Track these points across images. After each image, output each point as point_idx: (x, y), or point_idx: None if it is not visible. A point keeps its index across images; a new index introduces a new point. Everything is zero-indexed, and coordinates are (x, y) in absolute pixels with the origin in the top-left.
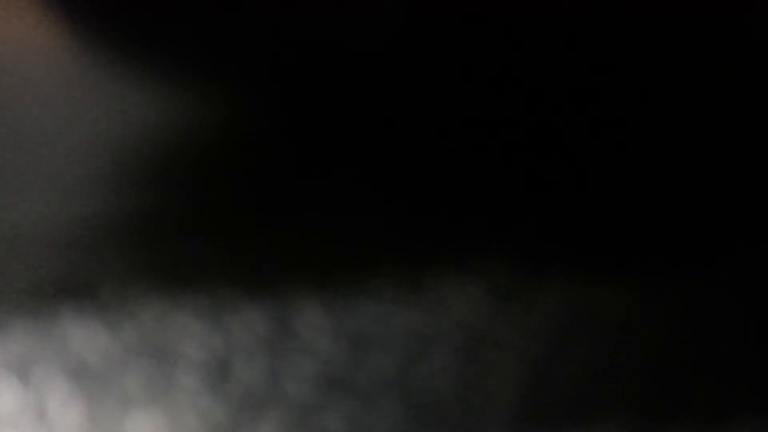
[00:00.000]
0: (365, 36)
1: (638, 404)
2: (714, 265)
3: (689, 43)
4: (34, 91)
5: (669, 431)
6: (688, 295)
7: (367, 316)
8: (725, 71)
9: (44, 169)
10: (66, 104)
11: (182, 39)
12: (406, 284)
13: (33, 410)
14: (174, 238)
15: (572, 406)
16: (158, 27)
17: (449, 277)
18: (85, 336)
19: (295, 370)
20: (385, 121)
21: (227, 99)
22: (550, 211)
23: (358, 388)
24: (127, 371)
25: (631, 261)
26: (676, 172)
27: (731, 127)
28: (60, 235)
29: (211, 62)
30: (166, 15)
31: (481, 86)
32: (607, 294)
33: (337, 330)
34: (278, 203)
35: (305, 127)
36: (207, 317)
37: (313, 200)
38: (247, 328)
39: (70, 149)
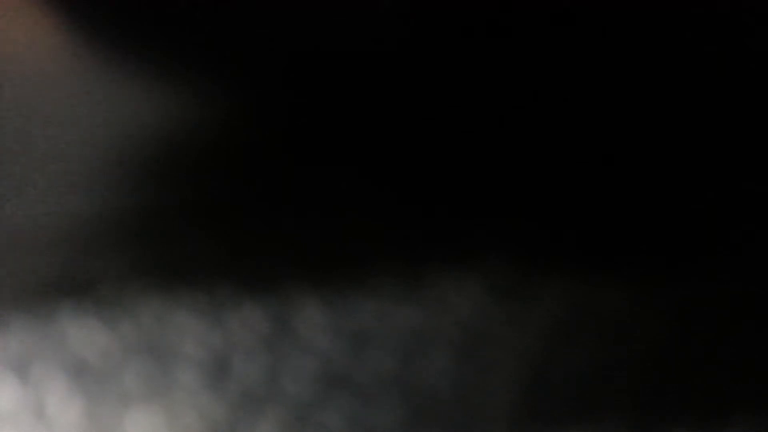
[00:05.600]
0: (365, 35)
1: (638, 404)
2: (714, 265)
3: (690, 43)
4: (34, 91)
5: (669, 431)
6: (688, 295)
7: (366, 313)
8: (725, 71)
9: (43, 167)
10: (65, 103)
11: (182, 39)
12: (406, 282)
13: (32, 408)
14: (173, 235)
15: (572, 405)
16: (158, 27)
17: (449, 275)
18: (84, 334)
19: (295, 368)
20: (385, 120)
21: (227, 99)
22: (550, 210)
23: (357, 385)
24: (126, 369)
25: (631, 260)
26: (677, 171)
27: (732, 127)
28: (59, 233)
29: (211, 62)
30: (166, 15)
31: (481, 85)
32: (607, 293)
33: (336, 328)
34: (278, 201)
35: (304, 126)
36: (206, 315)
37: (312, 198)
38: (246, 326)
39: (69, 147)
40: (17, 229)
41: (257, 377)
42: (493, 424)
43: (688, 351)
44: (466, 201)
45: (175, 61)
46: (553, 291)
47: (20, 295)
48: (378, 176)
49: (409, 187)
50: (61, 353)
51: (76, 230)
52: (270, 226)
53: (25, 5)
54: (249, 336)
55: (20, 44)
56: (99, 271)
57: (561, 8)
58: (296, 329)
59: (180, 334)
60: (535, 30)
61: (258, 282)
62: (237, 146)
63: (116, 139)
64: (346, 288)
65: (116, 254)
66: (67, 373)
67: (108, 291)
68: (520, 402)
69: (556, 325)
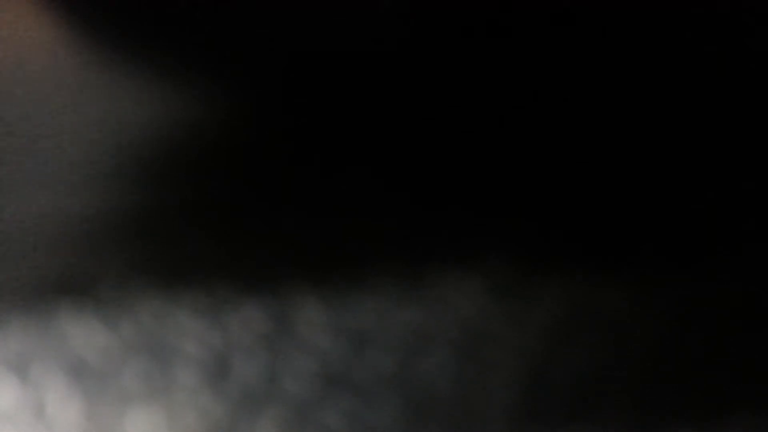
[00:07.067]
0: (365, 35)
1: (638, 404)
2: (714, 265)
3: (690, 43)
4: (34, 91)
5: (669, 431)
6: (688, 295)
7: (366, 313)
8: (725, 71)
9: (43, 166)
10: (65, 103)
11: (182, 39)
12: (406, 281)
13: (31, 408)
14: (173, 235)
15: (572, 405)
16: (158, 27)
17: (449, 274)
18: (83, 333)
19: (295, 367)
20: (385, 120)
21: (227, 99)
22: (550, 209)
23: (357, 385)
24: (126, 368)
25: (631, 260)
26: (677, 171)
27: (732, 127)
28: (59, 233)
29: (211, 62)
30: (166, 15)
31: (481, 86)
32: (607, 293)
33: (336, 327)
34: (277, 200)
35: (304, 125)
36: (206, 314)
37: (312, 197)
38: (246, 325)
39: (69, 147)
40: (17, 228)
41: (257, 376)
42: (493, 424)
43: (688, 351)
44: (466, 201)
45: (175, 61)
46: (553, 291)
47: (20, 295)
48: (378, 176)
49: (409, 187)
50: (60, 353)
51: (76, 230)
52: (270, 226)
53: (26, 6)
54: (249, 336)
55: (21, 45)
56: (99, 270)
57: (561, 8)
58: (296, 329)
59: (180, 333)
60: (535, 30)
61: (258, 282)
62: (237, 146)
63: (116, 139)
64: (346, 288)
65: (116, 254)
66: (67, 373)
67: (108, 290)
68: (520, 402)
69: (556, 325)
